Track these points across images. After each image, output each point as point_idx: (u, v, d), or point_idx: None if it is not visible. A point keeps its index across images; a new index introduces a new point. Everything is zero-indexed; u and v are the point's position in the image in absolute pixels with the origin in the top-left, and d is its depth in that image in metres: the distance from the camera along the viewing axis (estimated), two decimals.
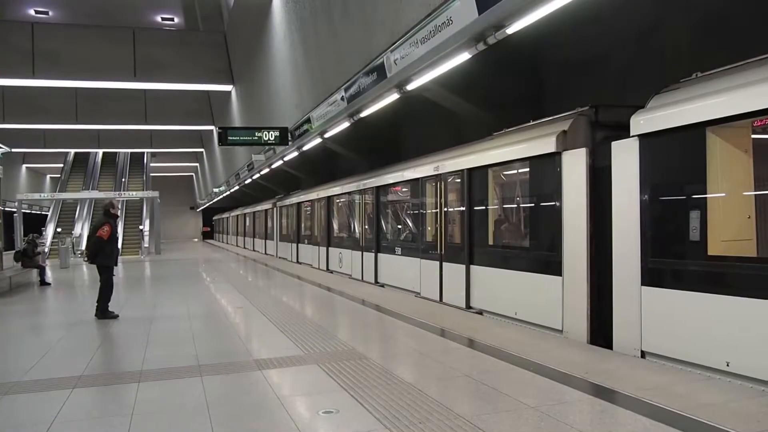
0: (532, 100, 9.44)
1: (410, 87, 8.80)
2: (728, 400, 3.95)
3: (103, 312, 8.44)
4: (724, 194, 4.75)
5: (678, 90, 5.18)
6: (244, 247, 32.95)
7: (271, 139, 15.99)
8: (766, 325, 4.09)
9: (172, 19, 29.25)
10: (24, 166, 46.85)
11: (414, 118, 12.44)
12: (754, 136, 4.73)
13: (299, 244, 19.24)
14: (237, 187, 30.60)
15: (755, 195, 4.84)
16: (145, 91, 28.38)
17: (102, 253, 8.52)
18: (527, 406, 3.95)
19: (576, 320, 5.99)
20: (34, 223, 30.66)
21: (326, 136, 13.71)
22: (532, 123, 7.25)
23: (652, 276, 5.08)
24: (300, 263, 18.72)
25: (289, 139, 16.00)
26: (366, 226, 12.79)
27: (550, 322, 6.39)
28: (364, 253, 12.52)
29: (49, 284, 13.86)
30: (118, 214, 9.15)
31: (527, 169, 7.21)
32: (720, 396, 4.05)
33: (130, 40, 24.14)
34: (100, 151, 40.64)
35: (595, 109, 6.17)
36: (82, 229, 30.73)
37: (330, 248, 15.52)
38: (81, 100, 28.63)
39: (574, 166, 6.09)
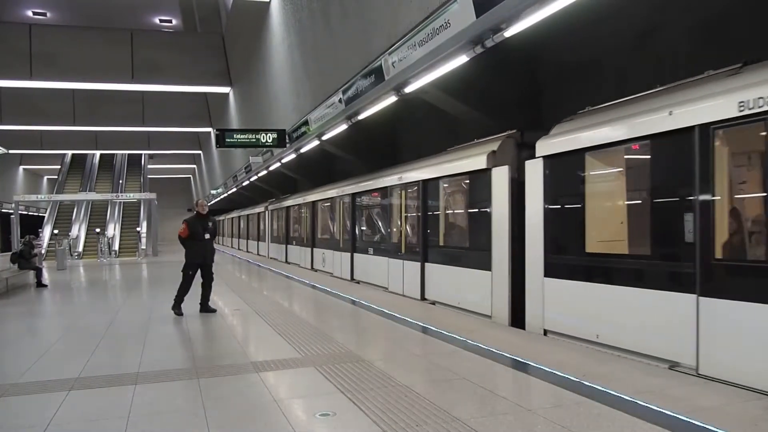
0: (530, 101, 9.45)
1: (408, 89, 8.82)
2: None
3: (175, 306, 8.66)
4: (603, 204, 6.06)
5: (572, 120, 6.33)
6: (239, 249, 32.99)
7: (268, 141, 16.02)
8: (627, 305, 5.28)
9: (170, 21, 29.28)
10: (21, 167, 46.80)
11: (411, 121, 12.46)
12: (626, 156, 5.73)
13: (288, 246, 20.31)
14: (234, 189, 30.57)
15: (627, 204, 5.88)
16: (142, 93, 28.33)
17: (185, 249, 8.75)
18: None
19: (501, 307, 7.30)
20: (31, 225, 30.60)
21: (324, 138, 13.72)
22: (475, 141, 8.43)
23: (550, 269, 6.33)
24: (289, 263, 19.65)
25: (287, 141, 16.01)
26: (344, 229, 13.96)
27: (483, 309, 7.68)
28: (342, 253, 13.80)
29: (46, 286, 13.81)
30: (202, 212, 8.58)
31: (468, 182, 8.49)
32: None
33: (128, 42, 24.12)
34: (98, 153, 40.60)
35: (521, 133, 7.52)
36: (79, 231, 30.69)
37: (314, 249, 16.60)
38: (79, 101, 28.59)
39: (500, 180, 7.29)
